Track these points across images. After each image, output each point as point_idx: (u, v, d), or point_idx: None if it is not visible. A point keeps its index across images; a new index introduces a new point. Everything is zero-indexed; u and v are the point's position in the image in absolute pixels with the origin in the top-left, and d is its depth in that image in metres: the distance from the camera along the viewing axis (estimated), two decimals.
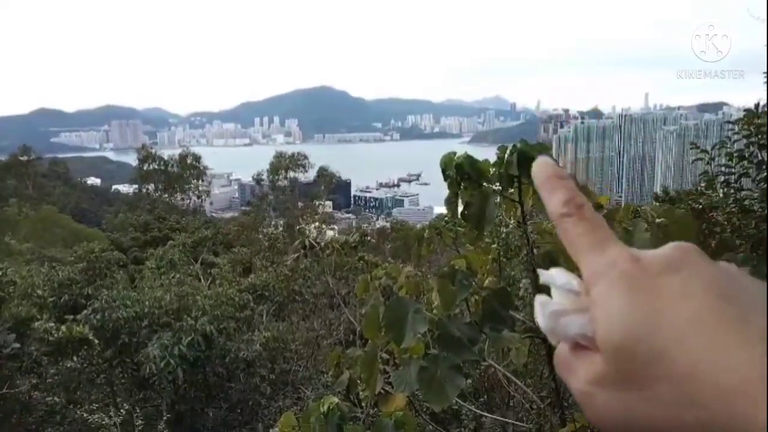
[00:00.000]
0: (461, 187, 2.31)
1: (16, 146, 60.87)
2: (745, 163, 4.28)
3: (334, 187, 58.39)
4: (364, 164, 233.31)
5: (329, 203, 59.18)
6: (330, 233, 37.62)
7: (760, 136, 4.18)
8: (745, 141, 4.35)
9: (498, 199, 2.35)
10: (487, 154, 2.43)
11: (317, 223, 41.00)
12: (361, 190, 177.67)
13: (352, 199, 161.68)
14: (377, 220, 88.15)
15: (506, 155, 2.22)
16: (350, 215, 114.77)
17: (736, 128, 4.52)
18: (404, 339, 2.14)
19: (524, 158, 2.16)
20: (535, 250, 2.43)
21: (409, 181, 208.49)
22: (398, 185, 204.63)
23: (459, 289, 2.29)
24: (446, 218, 3.35)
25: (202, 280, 11.18)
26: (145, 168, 52.70)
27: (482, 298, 2.37)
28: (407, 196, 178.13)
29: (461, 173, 2.28)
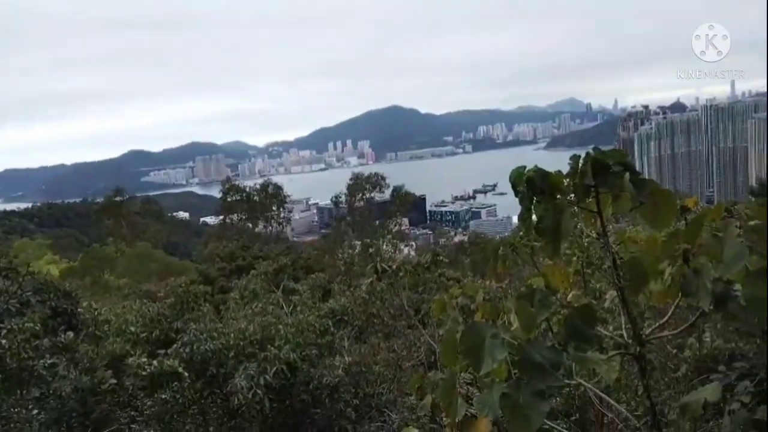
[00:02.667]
0: (534, 201, 2.19)
1: (111, 188, 63.48)
2: None
3: (410, 204, 58.48)
4: (437, 179, 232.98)
5: (405, 221, 59.26)
6: (406, 251, 37.61)
7: None
8: None
9: (575, 210, 2.22)
10: (565, 158, 2.32)
11: (392, 241, 41.15)
12: (436, 205, 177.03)
13: (428, 214, 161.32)
14: (455, 234, 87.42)
15: (579, 165, 2.11)
16: (427, 231, 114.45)
17: None
18: (482, 366, 2.04)
19: (599, 166, 2.05)
20: (619, 261, 2.28)
21: (485, 192, 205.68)
22: (474, 197, 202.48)
23: (538, 310, 2.15)
24: (521, 233, 3.22)
25: (284, 307, 11.38)
26: (228, 199, 54.75)
27: (564, 316, 2.23)
28: (484, 208, 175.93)
29: (533, 188, 2.16)
